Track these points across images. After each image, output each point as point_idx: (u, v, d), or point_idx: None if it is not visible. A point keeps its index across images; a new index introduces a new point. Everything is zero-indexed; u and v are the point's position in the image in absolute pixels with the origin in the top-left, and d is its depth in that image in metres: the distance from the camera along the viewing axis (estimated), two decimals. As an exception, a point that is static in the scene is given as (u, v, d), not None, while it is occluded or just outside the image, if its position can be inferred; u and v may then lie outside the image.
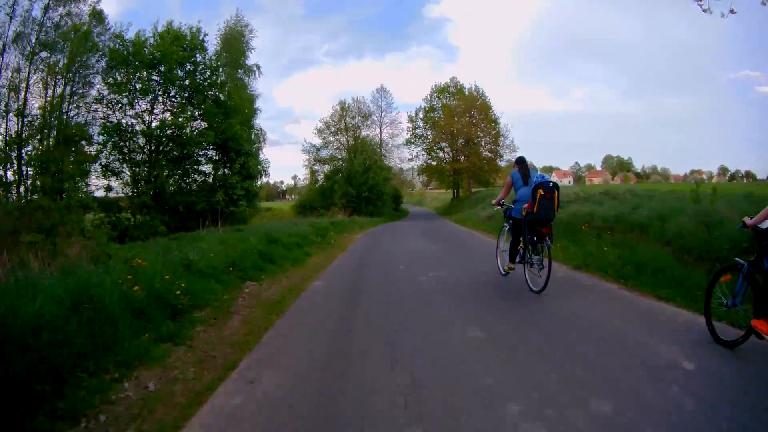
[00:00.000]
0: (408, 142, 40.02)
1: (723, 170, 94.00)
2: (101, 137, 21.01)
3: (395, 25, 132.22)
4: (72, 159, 19.59)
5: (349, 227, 17.13)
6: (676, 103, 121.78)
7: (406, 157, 41.04)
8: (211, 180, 23.98)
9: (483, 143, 37.69)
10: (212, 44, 24.58)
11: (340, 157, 34.67)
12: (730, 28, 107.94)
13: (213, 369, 3.53)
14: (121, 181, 21.94)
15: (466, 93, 38.86)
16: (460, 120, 36.78)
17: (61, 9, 19.59)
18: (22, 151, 18.36)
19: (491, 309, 4.83)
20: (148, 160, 22.04)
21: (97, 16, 21.17)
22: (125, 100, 21.56)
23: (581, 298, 5.22)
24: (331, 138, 37.01)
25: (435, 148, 39.37)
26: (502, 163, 37.98)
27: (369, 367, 3.31)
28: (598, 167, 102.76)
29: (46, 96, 19.35)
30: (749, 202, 8.03)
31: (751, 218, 3.42)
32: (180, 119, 21.93)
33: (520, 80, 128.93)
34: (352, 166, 30.44)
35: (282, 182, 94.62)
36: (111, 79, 20.82)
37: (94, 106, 20.90)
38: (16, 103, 18.45)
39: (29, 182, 18.56)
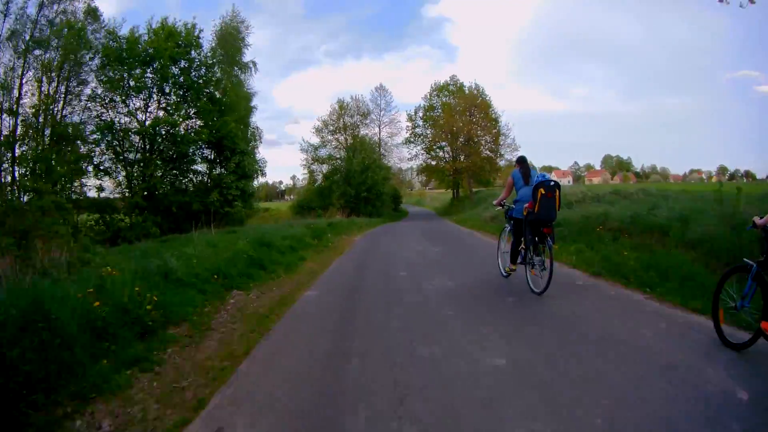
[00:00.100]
0: (407, 141, 39.48)
1: (722, 170, 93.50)
2: (94, 136, 20.57)
3: (394, 25, 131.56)
4: (64, 158, 19.24)
5: (348, 228, 16.48)
6: (675, 103, 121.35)
7: (405, 157, 40.55)
8: (205, 180, 23.44)
9: (483, 142, 37.07)
10: (207, 41, 24.03)
11: (338, 156, 34.00)
12: (729, 27, 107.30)
13: (179, 406, 2.92)
14: (114, 181, 21.46)
15: (466, 91, 38.23)
16: (460, 118, 36.16)
17: (56, 6, 19.24)
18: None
19: (515, 329, 4.16)
20: (141, 160, 21.53)
21: (93, 13, 20.79)
22: (118, 98, 21.09)
23: (610, 313, 4.61)
24: (329, 137, 36.40)
25: (435, 147, 38.79)
26: (502, 163, 37.39)
27: (369, 417, 2.64)
28: (598, 167, 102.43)
29: (40, 94, 18.97)
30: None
31: (761, 218, 3.37)
32: (174, 117, 21.41)
33: (519, 80, 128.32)
34: (350, 166, 29.80)
35: (281, 182, 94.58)
36: (104, 76, 20.28)
37: (89, 104, 20.54)
38: (8, 102, 18.18)
39: (19, 182, 18.31)
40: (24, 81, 18.58)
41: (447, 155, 38.41)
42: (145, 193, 21.22)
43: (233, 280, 6.23)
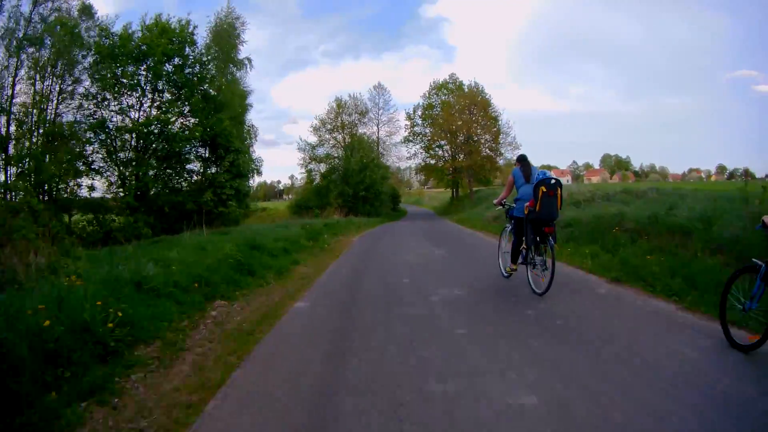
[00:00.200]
0: (406, 140, 38.91)
1: (721, 169, 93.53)
2: (87, 134, 20.06)
3: (392, 25, 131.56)
4: (55, 157, 18.73)
5: (345, 229, 15.86)
6: (674, 102, 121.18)
7: (404, 156, 39.95)
8: (199, 179, 22.84)
9: (483, 141, 36.47)
10: (202, 37, 23.52)
11: (336, 155, 33.38)
12: (729, 27, 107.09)
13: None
14: (105, 181, 20.93)
15: (466, 90, 37.64)
16: (459, 117, 35.57)
17: (50, 4, 18.86)
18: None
19: (541, 352, 3.54)
20: (134, 159, 20.96)
21: (87, 11, 20.34)
22: (109, 95, 20.54)
23: (643, 329, 4.03)
24: (327, 136, 35.77)
25: (434, 146, 38.22)
26: (502, 162, 36.78)
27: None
28: (596, 166, 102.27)
29: (35, 93, 18.66)
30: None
31: None
32: (167, 114, 20.84)
33: (518, 80, 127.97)
34: (348, 165, 29.19)
35: (279, 182, 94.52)
36: (97, 74, 19.74)
37: (82, 103, 20.11)
38: (-1, 100, 17.75)
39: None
40: (17, 79, 18.37)
41: (446, 154, 37.86)
42: (138, 192, 20.65)
43: (217, 288, 5.63)
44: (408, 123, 39.07)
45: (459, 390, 2.84)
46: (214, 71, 23.13)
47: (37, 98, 18.63)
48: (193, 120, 21.82)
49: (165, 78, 21.27)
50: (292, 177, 75.02)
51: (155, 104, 21.59)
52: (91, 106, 20.30)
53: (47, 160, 18.28)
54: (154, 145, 21.40)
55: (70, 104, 19.89)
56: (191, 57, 21.99)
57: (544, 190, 5.07)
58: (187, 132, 21.09)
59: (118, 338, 3.71)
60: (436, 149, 38.37)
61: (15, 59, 17.92)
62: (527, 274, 5.55)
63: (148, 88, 21.42)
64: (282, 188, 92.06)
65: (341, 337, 3.95)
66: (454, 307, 4.84)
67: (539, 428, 2.37)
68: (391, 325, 4.27)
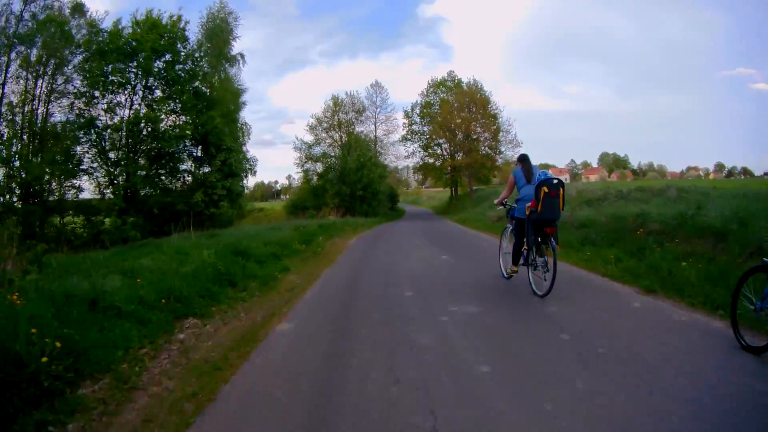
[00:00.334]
0: (404, 139, 38.12)
1: (719, 167, 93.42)
2: (75, 134, 19.28)
3: (389, 25, 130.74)
4: (41, 158, 18.01)
5: (341, 230, 15.01)
6: (671, 101, 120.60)
7: (401, 155, 39.10)
8: (189, 179, 22.04)
9: (482, 139, 35.65)
10: (194, 33, 22.93)
11: (333, 154, 32.52)
12: (725, 25, 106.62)
13: None
14: (93, 182, 20.21)
15: (465, 87, 36.86)
16: (458, 114, 34.77)
17: (41, 2, 18.24)
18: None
19: (587, 397, 2.79)
20: (123, 159, 20.18)
21: (79, 9, 19.64)
22: (98, 93, 19.77)
23: (699, 354, 3.30)
24: (323, 135, 34.93)
25: (432, 144, 37.42)
26: (500, 161, 35.96)
27: None
28: (594, 164, 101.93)
29: (26, 91, 18.09)
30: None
31: None
32: (156, 112, 20.05)
33: (515, 78, 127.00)
34: (345, 164, 28.31)
35: (276, 182, 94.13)
36: (86, 72, 18.99)
37: (74, 102, 19.40)
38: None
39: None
40: (8, 77, 17.82)
41: (445, 153, 37.08)
42: (127, 193, 19.88)
43: (190, 303, 4.84)
44: (406, 121, 38.34)
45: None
46: (206, 68, 22.33)
47: (27, 97, 18.11)
48: (184, 118, 21.12)
49: (155, 75, 20.57)
50: (289, 177, 74.68)
51: (145, 102, 20.83)
52: (81, 105, 19.64)
53: (34, 160, 17.66)
54: (144, 146, 20.66)
55: (61, 104, 19.33)
56: (182, 53, 21.24)
57: (546, 190, 4.92)
58: (177, 130, 20.31)
59: (56, 374, 2.96)
60: (435, 148, 37.60)
61: (6, 58, 17.48)
62: (528, 275, 5.39)
63: (139, 86, 20.74)
64: (279, 188, 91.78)
65: (330, 379, 3.09)
66: (471, 330, 4.02)
67: None
68: (395, 359, 3.37)
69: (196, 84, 21.94)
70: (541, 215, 5.01)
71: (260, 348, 3.65)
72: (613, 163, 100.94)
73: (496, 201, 6.45)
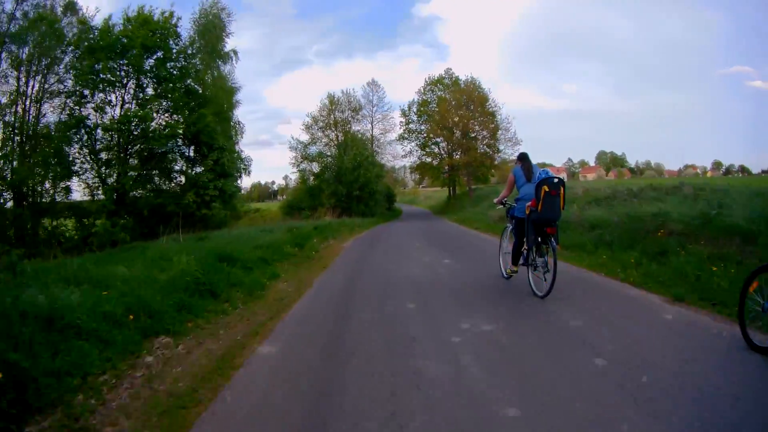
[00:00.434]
0: (401, 138, 37.51)
1: (717, 164, 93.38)
2: (65, 134, 18.64)
3: (385, 25, 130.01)
4: (29, 159, 17.42)
5: (337, 231, 14.36)
6: (667, 99, 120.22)
7: (399, 154, 38.52)
8: (182, 179, 21.40)
9: (480, 137, 35.07)
10: (186, 29, 22.28)
11: (329, 153, 31.90)
12: (721, 23, 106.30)
13: None
14: (82, 183, 19.61)
15: (462, 85, 36.30)
16: (456, 112, 34.21)
17: (33, 0, 17.64)
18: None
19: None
20: (113, 159, 19.56)
21: (71, 7, 19.04)
22: (87, 92, 19.17)
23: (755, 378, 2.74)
24: (319, 134, 34.27)
25: (430, 143, 36.84)
26: (498, 160, 35.42)
27: None
28: (592, 163, 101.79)
29: (17, 92, 17.52)
30: None
31: None
32: (146, 110, 19.41)
33: (512, 77, 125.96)
34: (341, 163, 27.71)
35: (273, 183, 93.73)
36: (76, 71, 18.44)
37: (66, 102, 18.79)
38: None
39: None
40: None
41: (442, 151, 36.51)
42: (116, 195, 19.25)
43: (162, 318, 4.24)
44: (403, 120, 37.73)
45: None
46: (199, 65, 21.72)
47: (14, 97, 17.54)
48: (175, 117, 20.51)
49: (146, 73, 19.97)
50: (286, 177, 74.27)
51: (136, 100, 20.21)
52: (71, 104, 19.01)
53: (21, 161, 17.12)
54: (135, 146, 20.08)
55: (53, 104, 18.76)
56: (174, 50, 20.64)
57: (547, 189, 4.83)
58: (167, 129, 19.69)
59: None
60: (432, 147, 37.01)
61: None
62: (528, 276, 5.28)
63: (131, 84, 20.14)
64: (276, 189, 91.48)
65: (316, 423, 2.48)
66: (488, 356, 3.35)
67: None
68: (397, 400, 2.69)
69: (188, 82, 21.30)
70: (542, 215, 4.91)
71: (235, 380, 3.04)
72: (611, 161, 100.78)
73: (495, 200, 6.31)
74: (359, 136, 33.30)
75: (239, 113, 23.21)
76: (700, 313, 4.25)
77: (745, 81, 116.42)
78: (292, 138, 32.78)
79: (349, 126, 34.73)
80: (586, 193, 10.91)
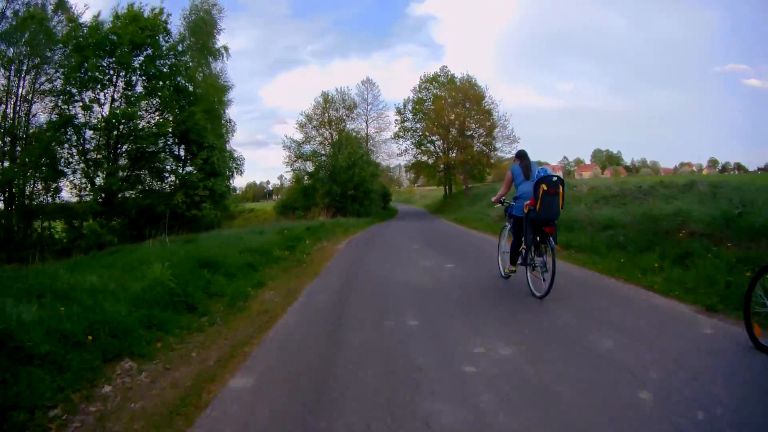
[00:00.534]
0: (396, 136, 36.93)
1: (713, 162, 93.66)
2: (53, 134, 17.99)
3: (380, 24, 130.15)
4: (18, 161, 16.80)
5: (331, 232, 13.76)
6: (663, 97, 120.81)
7: (394, 153, 37.98)
8: (173, 179, 20.75)
9: (476, 135, 34.55)
10: (176, 26, 21.80)
11: (323, 152, 31.32)
12: (717, 21, 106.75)
13: None
14: (69, 184, 18.96)
15: (458, 83, 35.79)
16: (452, 110, 33.69)
17: None
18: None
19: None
20: (100, 159, 18.93)
21: (62, 6, 18.38)
22: (75, 90, 18.53)
23: None
24: (313, 132, 33.69)
25: (425, 141, 36.30)
26: (494, 159, 34.92)
27: None
28: (587, 161, 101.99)
29: (8, 91, 16.89)
30: None
31: None
32: (134, 108, 18.79)
33: (507, 76, 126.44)
34: (336, 162, 27.10)
35: (268, 182, 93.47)
36: (63, 69, 17.82)
37: (53, 101, 18.12)
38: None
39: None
40: None
41: (438, 150, 35.98)
42: (103, 196, 18.61)
43: (128, 337, 3.68)
44: (398, 118, 37.17)
45: None
46: (189, 62, 21.11)
47: (1, 96, 16.93)
48: (166, 115, 19.92)
49: (135, 70, 19.37)
50: (281, 177, 74.02)
51: (124, 98, 19.58)
52: (60, 103, 18.30)
53: (11, 162, 16.63)
54: (123, 144, 19.46)
55: (44, 104, 18.14)
56: (164, 47, 20.05)
57: (545, 188, 4.73)
58: (155, 128, 19.08)
59: None
60: (428, 145, 36.48)
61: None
62: (527, 276, 5.19)
63: (120, 84, 19.52)
64: (271, 189, 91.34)
65: None
66: (512, 393, 2.70)
67: None
68: None
69: (179, 79, 20.70)
70: (540, 214, 4.80)
71: (198, 425, 2.45)
72: (606, 159, 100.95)
73: (493, 199, 6.19)
74: (354, 134, 32.66)
75: (233, 112, 22.92)
76: (741, 326, 3.72)
77: (740, 79, 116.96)
78: (286, 137, 32.24)
79: (343, 124, 34.22)
80: (592, 191, 10.41)
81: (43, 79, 17.83)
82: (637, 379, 2.76)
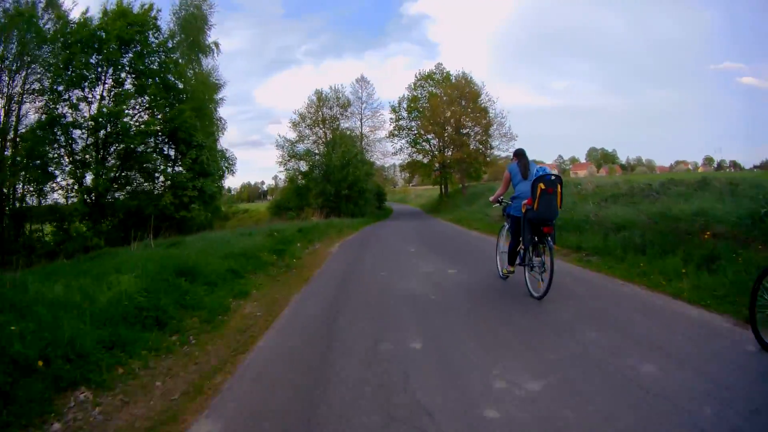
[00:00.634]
0: (391, 135, 36.38)
1: (708, 160, 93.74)
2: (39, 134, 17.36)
3: (374, 23, 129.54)
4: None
5: (324, 234, 13.18)
6: (658, 96, 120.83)
7: (388, 152, 37.48)
8: (163, 179, 20.12)
9: (473, 134, 34.08)
10: (166, 22, 21.37)
11: (317, 151, 30.76)
12: (712, 20, 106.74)
13: None
14: (56, 186, 18.42)
15: (453, 80, 35.29)
16: (447, 108, 33.18)
17: None
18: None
19: None
20: (92, 158, 18.33)
21: (53, 3, 17.86)
22: (61, 88, 17.91)
23: None
24: (307, 131, 33.11)
25: (420, 140, 35.78)
26: (490, 157, 34.48)
27: None
28: (582, 160, 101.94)
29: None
30: None
31: None
32: (121, 106, 18.18)
33: (502, 75, 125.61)
34: (330, 161, 26.53)
35: (263, 183, 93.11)
36: (50, 67, 17.29)
37: (42, 101, 17.61)
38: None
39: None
40: None
41: (434, 149, 35.46)
42: (92, 197, 18.01)
43: (86, 361, 3.14)
44: (393, 116, 36.61)
45: None
46: (179, 58, 20.53)
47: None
48: (155, 112, 19.35)
49: (123, 67, 19.03)
50: (275, 177, 73.57)
51: (111, 96, 18.99)
52: (47, 102, 17.74)
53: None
54: (113, 145, 18.87)
55: (34, 104, 17.65)
56: (153, 43, 19.52)
57: (543, 187, 4.67)
58: (142, 126, 18.48)
59: None
60: (423, 144, 35.96)
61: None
62: (525, 276, 5.14)
63: (109, 81, 19.05)
64: (266, 189, 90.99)
65: None
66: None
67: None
68: None
69: (169, 76, 20.14)
70: (538, 214, 4.73)
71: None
72: (602, 158, 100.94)
73: (491, 198, 6.11)
74: (348, 133, 32.15)
75: (228, 112, 22.37)
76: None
77: (735, 77, 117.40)
78: (279, 136, 31.63)
79: (337, 123, 33.74)
80: (598, 190, 9.90)
81: (32, 78, 17.36)
82: (698, 426, 2.23)
